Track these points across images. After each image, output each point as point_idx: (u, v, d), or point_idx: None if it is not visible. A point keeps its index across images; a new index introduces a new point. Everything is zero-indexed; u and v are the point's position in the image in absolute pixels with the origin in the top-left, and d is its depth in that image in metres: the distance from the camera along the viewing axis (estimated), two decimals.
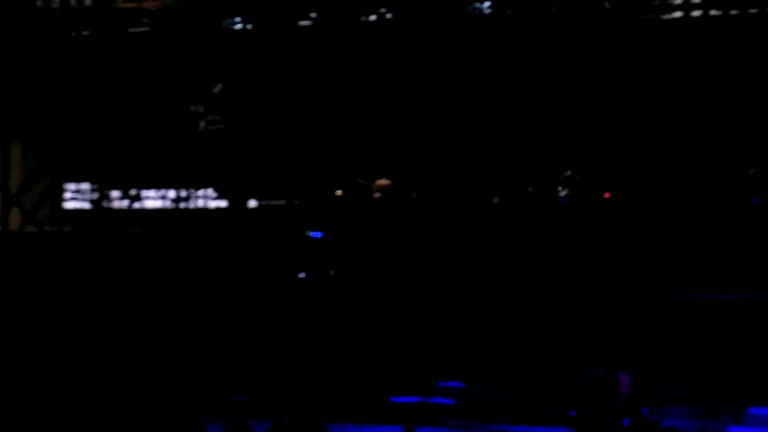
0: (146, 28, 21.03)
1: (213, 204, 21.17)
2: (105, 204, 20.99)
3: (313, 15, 20.39)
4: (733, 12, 19.27)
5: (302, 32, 20.45)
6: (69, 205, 21.84)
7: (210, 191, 21.12)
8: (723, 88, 18.80)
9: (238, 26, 20.77)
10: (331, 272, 19.78)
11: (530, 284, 18.28)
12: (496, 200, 19.85)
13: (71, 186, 21.83)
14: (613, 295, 17.55)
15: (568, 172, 19.40)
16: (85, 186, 21.69)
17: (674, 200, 18.57)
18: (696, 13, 19.56)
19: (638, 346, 14.79)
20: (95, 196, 21.34)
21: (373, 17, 20.20)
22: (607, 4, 19.26)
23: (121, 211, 21.34)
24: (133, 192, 21.23)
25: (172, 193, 21.22)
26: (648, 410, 13.35)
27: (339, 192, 20.08)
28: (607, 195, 19.22)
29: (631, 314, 16.97)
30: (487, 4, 19.64)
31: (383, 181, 19.94)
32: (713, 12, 19.41)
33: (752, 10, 19.18)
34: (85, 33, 21.16)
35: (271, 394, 16.33)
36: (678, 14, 19.65)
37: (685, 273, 17.56)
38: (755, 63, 18.72)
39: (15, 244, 18.72)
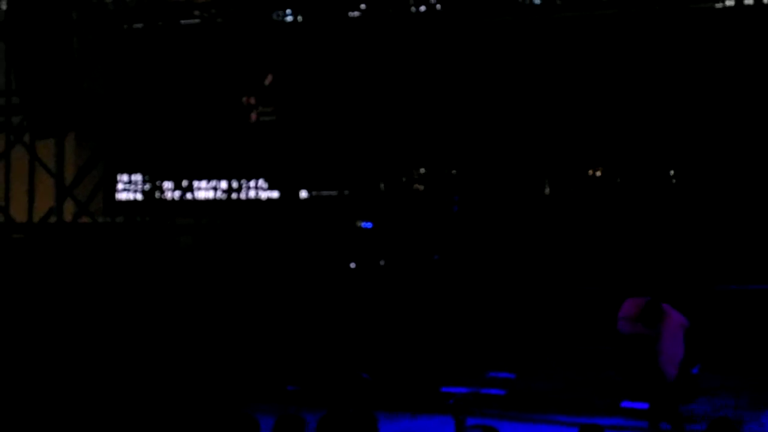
0: (197, 20, 21.23)
1: (264, 195, 21.30)
2: (157, 195, 21.15)
3: (362, 6, 20.47)
4: None
5: (352, 23, 20.55)
6: (121, 196, 22.06)
7: (261, 182, 21.25)
8: None
9: (289, 18, 20.91)
10: (382, 263, 19.87)
11: (582, 275, 18.28)
12: (547, 191, 19.83)
13: (123, 177, 22.04)
14: (663, 286, 17.49)
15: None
16: (137, 177, 21.90)
17: (726, 192, 18.46)
18: (749, 1, 19.34)
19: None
20: (147, 187, 21.53)
21: (422, 8, 20.25)
22: None
23: (172, 201, 21.53)
24: (184, 183, 21.41)
25: (223, 184, 21.38)
26: (698, 369, 13.14)
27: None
28: None
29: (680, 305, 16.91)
30: None
31: None
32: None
33: None
34: (137, 26, 21.37)
35: (324, 383, 16.47)
36: (730, 3, 19.43)
37: (732, 264, 17.51)
38: None
39: (70, 234, 18.90)
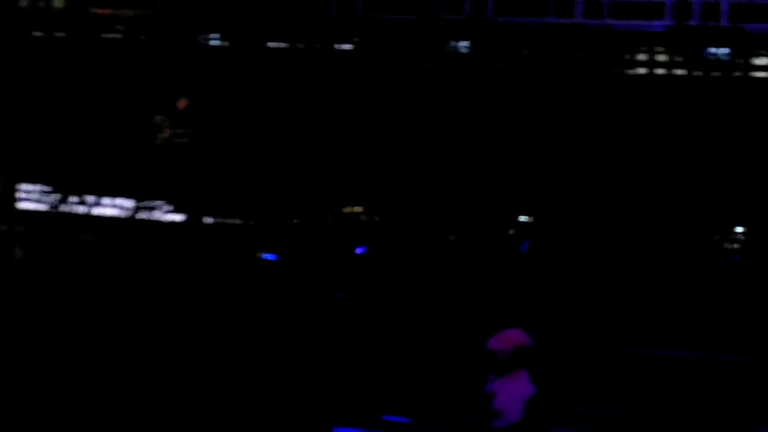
0: (119, 35, 20.99)
1: (168, 217, 21.05)
2: (61, 208, 20.81)
3: (289, 39, 20.47)
4: (697, 73, 19.59)
5: (276, 54, 20.52)
6: (22, 205, 21.63)
7: (167, 204, 21.00)
8: (692, 146, 19.07)
9: (215, 42, 20.80)
10: (283, 296, 19.70)
11: (482, 323, 18.31)
12: (451, 237, 19.94)
13: (26, 187, 21.62)
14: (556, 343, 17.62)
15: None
16: (40, 188, 21.51)
17: (632, 254, 18.76)
18: (660, 71, 19.88)
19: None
20: (51, 198, 21.16)
21: (347, 46, 20.32)
22: (581, 55, 19.55)
23: (74, 215, 21.17)
24: (89, 198, 21.07)
25: (128, 203, 21.09)
26: None
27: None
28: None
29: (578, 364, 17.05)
30: (464, 43, 19.85)
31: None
32: (678, 71, 19.72)
33: (715, 74, 19.52)
34: (58, 35, 21.06)
35: (214, 416, 16.21)
36: (642, 71, 19.96)
37: (635, 327, 17.71)
38: (719, 122, 19.03)
39: None
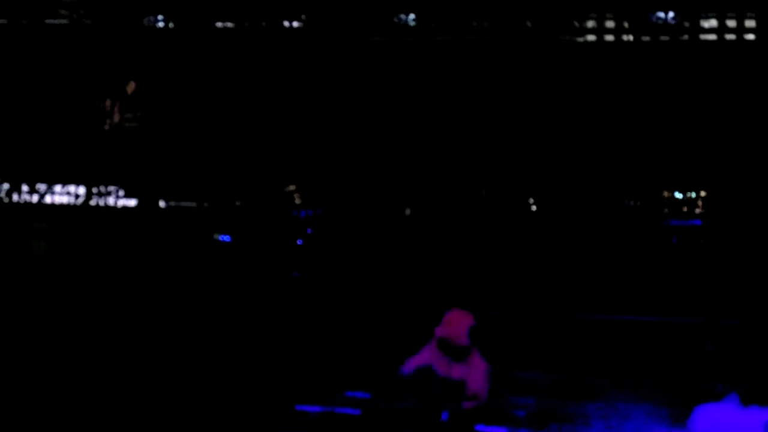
0: (64, 21, 20.75)
1: (121, 202, 20.89)
2: (13, 197, 20.61)
3: (236, 18, 20.31)
4: (645, 38, 19.65)
5: (223, 34, 20.37)
6: None
7: (119, 189, 20.84)
8: (639, 110, 19.12)
9: (160, 24, 20.59)
10: (239, 278, 19.64)
11: (440, 297, 18.34)
12: (407, 212, 19.92)
13: None
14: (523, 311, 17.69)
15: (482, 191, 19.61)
16: None
17: (584, 220, 18.82)
18: (609, 38, 19.93)
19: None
20: (3, 188, 20.95)
21: (296, 23, 20.18)
22: (529, 23, 19.53)
23: (27, 204, 20.97)
24: (41, 187, 20.87)
25: (81, 190, 20.91)
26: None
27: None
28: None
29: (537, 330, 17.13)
30: (411, 16, 19.78)
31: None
32: (625, 37, 19.78)
33: (663, 38, 19.60)
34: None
35: (176, 398, 16.14)
36: (592, 38, 19.99)
37: (587, 294, 17.79)
38: (665, 86, 19.10)
39: None
